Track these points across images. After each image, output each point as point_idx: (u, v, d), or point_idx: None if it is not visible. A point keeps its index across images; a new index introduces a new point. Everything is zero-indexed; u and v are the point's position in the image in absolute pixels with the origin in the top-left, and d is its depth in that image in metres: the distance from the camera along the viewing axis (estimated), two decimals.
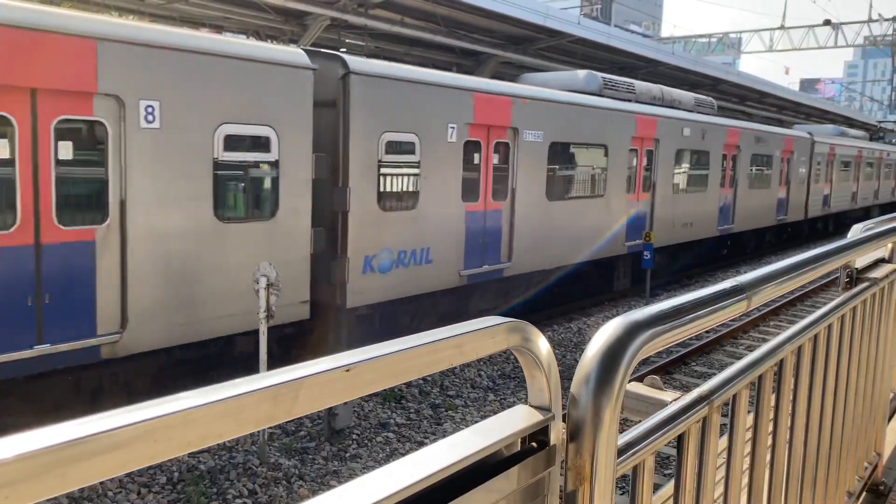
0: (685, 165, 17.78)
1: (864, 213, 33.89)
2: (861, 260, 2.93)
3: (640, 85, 16.64)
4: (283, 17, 14.80)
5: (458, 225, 11.26)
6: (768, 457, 2.06)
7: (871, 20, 36.79)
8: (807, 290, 16.59)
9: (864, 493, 3.32)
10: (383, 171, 9.91)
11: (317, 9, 13.94)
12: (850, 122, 41.84)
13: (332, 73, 9.32)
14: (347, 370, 0.85)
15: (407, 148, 10.28)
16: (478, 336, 1.08)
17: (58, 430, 0.61)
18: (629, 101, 15.75)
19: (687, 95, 18.93)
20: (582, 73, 15.31)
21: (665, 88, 17.83)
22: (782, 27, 38.60)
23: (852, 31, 37.05)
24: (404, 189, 10.36)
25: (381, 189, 9.92)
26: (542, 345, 1.19)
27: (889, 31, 37.37)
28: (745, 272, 1.81)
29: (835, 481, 2.74)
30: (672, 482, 1.60)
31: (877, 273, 2.97)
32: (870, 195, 34.91)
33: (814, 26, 37.55)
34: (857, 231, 3.14)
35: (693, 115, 18.13)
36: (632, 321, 1.24)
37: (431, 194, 10.64)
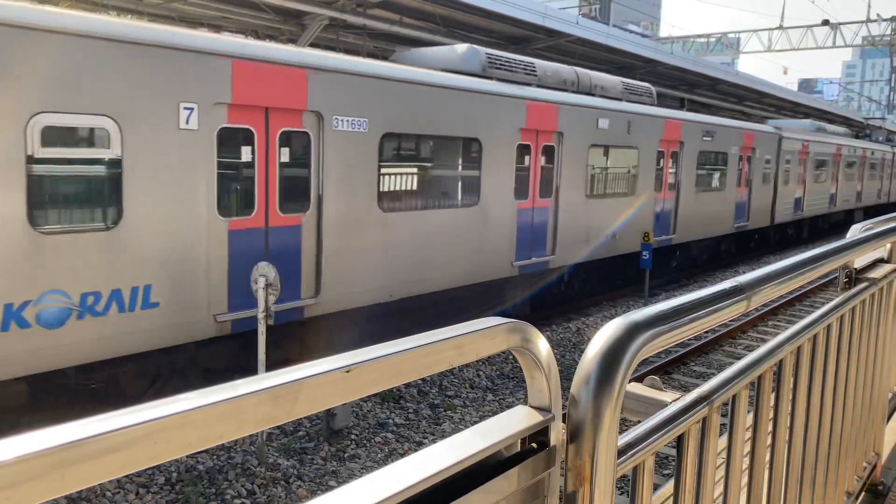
0: (604, 164, 14.81)
1: (846, 217, 32.02)
2: (860, 260, 2.93)
3: (543, 66, 13.59)
4: (281, 16, 14.79)
5: None
6: (768, 457, 2.06)
7: (869, 20, 36.83)
8: (806, 290, 16.62)
9: (863, 493, 3.33)
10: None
11: (315, 9, 13.93)
12: (848, 122, 41.67)
13: None
14: (348, 371, 0.84)
15: None
16: (478, 337, 1.08)
17: (57, 431, 0.60)
18: (528, 84, 12.84)
19: (612, 80, 15.76)
20: (461, 48, 12.12)
21: (582, 71, 14.82)
22: (781, 27, 38.65)
23: (850, 31, 37.11)
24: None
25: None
26: (542, 345, 1.18)
27: (887, 32, 37.44)
28: (745, 272, 1.81)
29: (834, 481, 2.74)
30: (672, 482, 1.60)
31: (876, 273, 2.97)
32: (852, 197, 32.12)
33: (812, 26, 37.60)
34: (855, 231, 3.14)
35: (619, 103, 15.19)
36: (631, 322, 1.24)
37: None
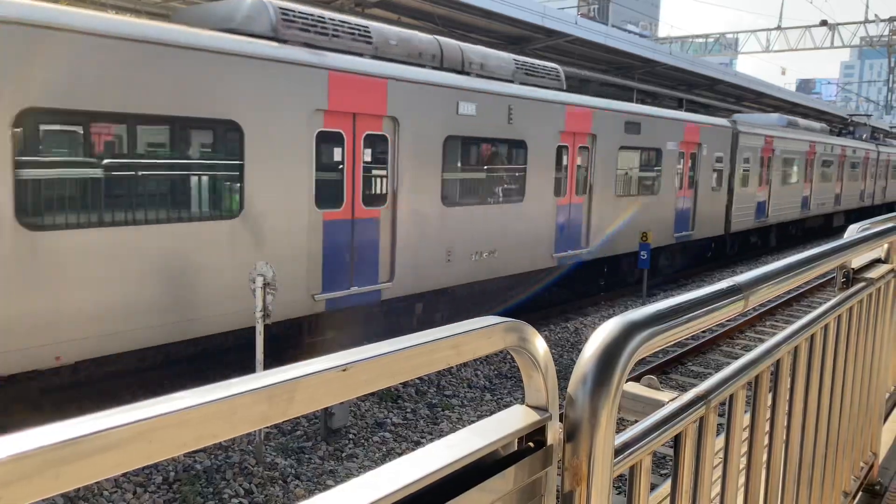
0: (471, 163, 11.57)
1: (825, 222, 29.57)
2: (857, 260, 2.94)
3: (381, 30, 10.44)
4: None
5: None
6: (765, 457, 2.06)
7: (867, 21, 36.90)
8: (803, 290, 16.63)
9: (861, 493, 3.33)
10: None
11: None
12: (829, 119, 41.62)
13: None
14: (344, 370, 0.84)
15: None
16: (475, 336, 1.08)
17: (52, 430, 0.60)
18: (360, 54, 9.86)
19: (498, 56, 12.56)
20: (248, 1, 9.04)
21: (451, 43, 11.73)
22: (779, 28, 38.70)
23: (848, 31, 37.17)
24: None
25: None
26: (540, 345, 1.18)
27: (885, 32, 37.49)
28: (742, 272, 1.81)
29: (831, 481, 2.74)
30: (669, 482, 1.60)
31: (873, 273, 2.98)
32: (829, 200, 28.76)
33: (810, 27, 37.65)
34: (853, 231, 3.15)
35: (506, 86, 12.08)
36: (629, 321, 1.24)
37: None
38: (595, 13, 57.98)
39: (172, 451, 0.67)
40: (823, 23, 36.37)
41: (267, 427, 7.70)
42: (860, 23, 36.94)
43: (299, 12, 9.40)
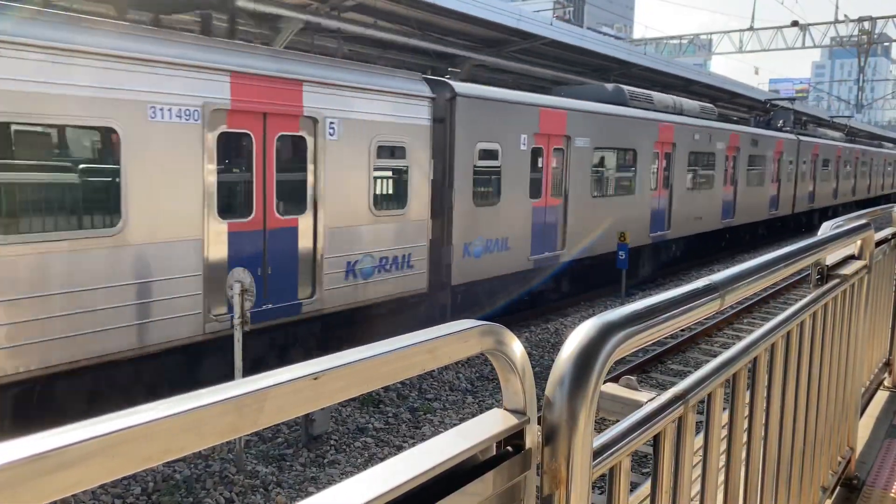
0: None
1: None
2: (831, 257, 2.97)
3: None
4: (255, 20, 14.69)
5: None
6: (744, 454, 2.07)
7: (837, 21, 37.52)
8: (779, 287, 16.83)
9: (839, 488, 3.36)
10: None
11: (290, 13, 13.86)
12: (825, 119, 42.08)
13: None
14: (315, 378, 0.83)
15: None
16: (450, 340, 1.07)
17: (5, 448, 0.58)
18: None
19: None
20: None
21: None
22: (751, 28, 39.22)
23: (819, 31, 37.78)
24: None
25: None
26: (516, 347, 1.17)
27: (855, 32, 38.14)
28: (718, 271, 1.82)
29: (809, 476, 2.76)
30: (649, 481, 1.60)
31: (847, 270, 3.01)
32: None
33: (782, 27, 38.20)
34: (827, 228, 3.18)
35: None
36: (605, 322, 1.24)
37: None
38: (570, 15, 58.34)
39: (137, 466, 0.65)
40: (795, 23, 36.91)
41: (247, 435, 7.64)
42: (830, 23, 37.55)
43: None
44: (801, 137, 28.14)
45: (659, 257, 19.16)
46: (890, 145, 51.96)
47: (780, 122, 28.24)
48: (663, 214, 18.52)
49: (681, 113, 19.49)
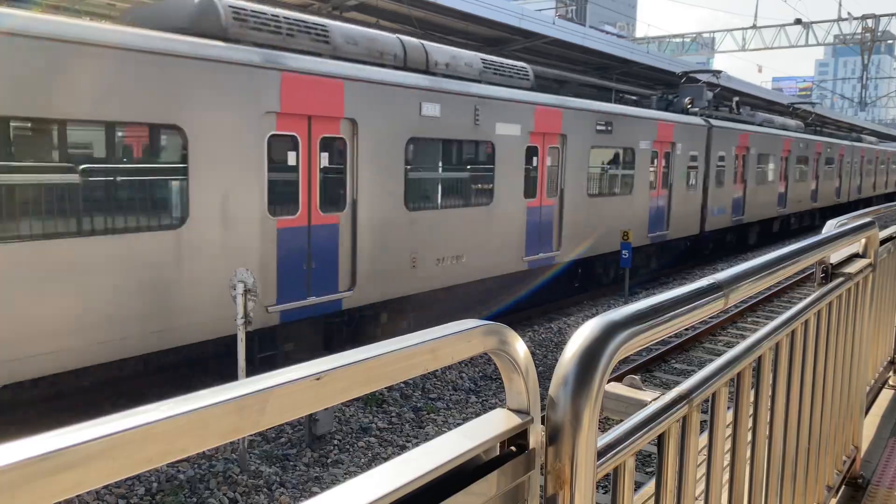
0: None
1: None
2: (836, 255, 2.96)
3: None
4: None
5: None
6: (748, 453, 2.06)
7: (840, 19, 37.44)
8: (783, 286, 16.80)
9: (843, 487, 3.35)
10: None
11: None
12: (828, 118, 41.83)
13: None
14: (318, 378, 0.82)
15: None
16: (453, 340, 1.06)
17: (4, 450, 0.58)
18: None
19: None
20: None
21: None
22: (754, 26, 39.16)
23: (822, 29, 37.70)
24: None
25: None
26: (519, 347, 1.17)
27: (858, 30, 38.05)
28: (723, 270, 1.81)
29: (814, 476, 2.75)
30: (653, 481, 1.59)
31: (851, 268, 3.00)
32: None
33: (785, 25, 38.14)
34: (831, 227, 3.17)
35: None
36: (609, 321, 1.23)
37: None
38: (572, 14, 58.29)
39: (138, 468, 0.65)
40: (798, 21, 36.85)
41: (250, 435, 7.65)
42: (833, 21, 37.47)
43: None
44: (715, 123, 19.81)
45: None
46: (872, 139, 42.81)
47: (687, 100, 20.19)
48: None
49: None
